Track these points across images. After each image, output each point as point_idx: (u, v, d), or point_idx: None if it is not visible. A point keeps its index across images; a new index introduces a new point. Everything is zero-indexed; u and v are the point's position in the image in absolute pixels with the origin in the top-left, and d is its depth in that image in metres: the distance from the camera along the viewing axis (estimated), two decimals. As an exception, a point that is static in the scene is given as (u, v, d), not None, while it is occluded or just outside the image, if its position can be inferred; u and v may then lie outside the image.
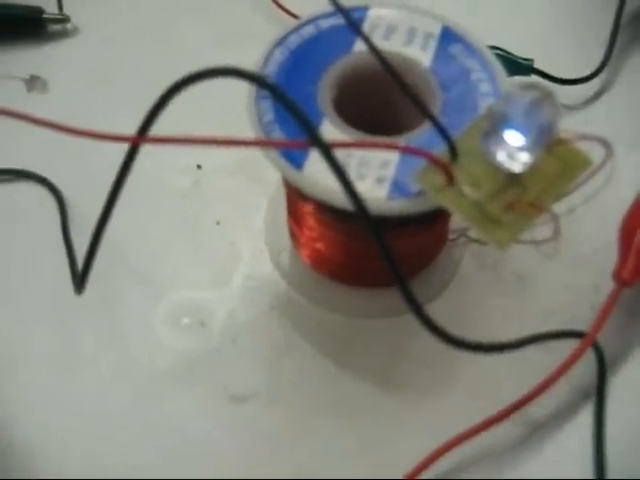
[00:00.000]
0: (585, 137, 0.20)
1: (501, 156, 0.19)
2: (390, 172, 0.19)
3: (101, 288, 0.25)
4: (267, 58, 0.21)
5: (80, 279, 0.21)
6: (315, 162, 0.19)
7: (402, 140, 0.20)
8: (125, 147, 0.18)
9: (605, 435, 0.23)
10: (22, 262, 0.26)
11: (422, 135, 0.20)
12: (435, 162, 0.18)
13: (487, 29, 0.24)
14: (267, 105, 0.20)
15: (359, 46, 0.21)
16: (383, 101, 0.22)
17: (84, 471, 0.22)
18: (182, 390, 0.24)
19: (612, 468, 0.22)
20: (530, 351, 0.22)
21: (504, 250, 0.19)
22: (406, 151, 0.19)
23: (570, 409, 0.24)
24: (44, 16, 0.32)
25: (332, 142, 0.17)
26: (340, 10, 0.18)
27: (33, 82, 0.30)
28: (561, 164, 0.20)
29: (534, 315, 0.25)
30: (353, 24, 0.19)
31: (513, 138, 0.18)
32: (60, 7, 0.32)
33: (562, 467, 0.23)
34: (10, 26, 0.32)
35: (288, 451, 0.23)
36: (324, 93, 0.21)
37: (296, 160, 0.19)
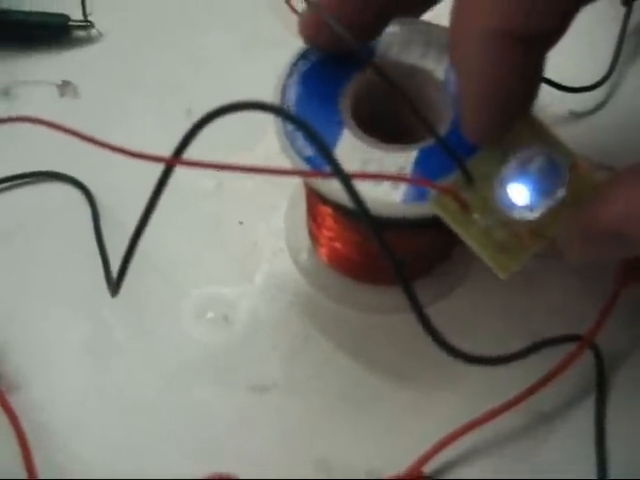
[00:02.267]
0: (595, 166, 0.21)
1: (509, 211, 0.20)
2: (405, 178, 0.20)
3: (131, 284, 0.26)
4: (291, 69, 0.22)
5: (115, 284, 0.23)
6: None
7: (415, 149, 0.21)
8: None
9: (605, 432, 0.24)
10: (57, 259, 0.28)
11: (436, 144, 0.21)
12: (445, 191, 0.20)
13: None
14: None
15: (380, 58, 0.23)
16: (401, 110, 0.23)
17: (110, 456, 0.24)
18: (206, 380, 0.25)
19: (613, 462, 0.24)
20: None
21: (507, 278, 0.20)
22: (415, 183, 0.20)
23: (574, 406, 0.25)
24: (70, 23, 0.33)
25: (351, 173, 0.18)
26: (350, 39, 0.19)
27: (65, 87, 0.32)
28: (573, 193, 0.20)
29: (540, 314, 0.27)
30: (363, 51, 0.20)
31: (520, 196, 0.19)
32: (84, 14, 0.33)
33: (566, 457, 0.24)
34: (38, 32, 0.34)
35: (305, 438, 0.24)
36: (345, 103, 0.22)
37: (318, 167, 0.21)
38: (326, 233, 0.26)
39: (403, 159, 0.21)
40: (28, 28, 0.34)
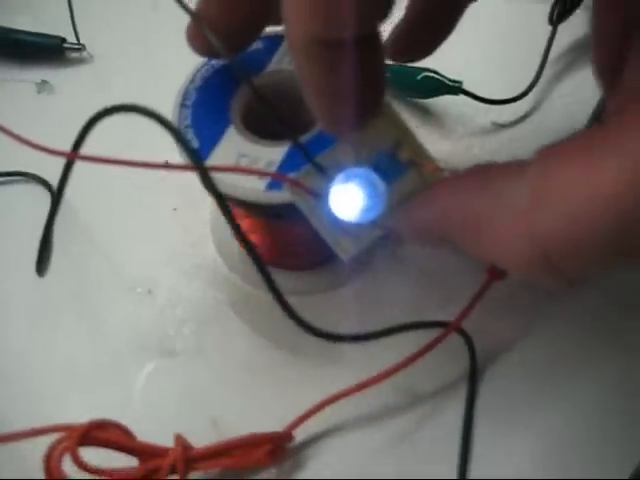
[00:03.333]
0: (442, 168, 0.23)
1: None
2: (272, 169, 0.24)
3: (73, 261, 0.30)
4: (195, 74, 0.26)
5: (37, 264, 0.27)
6: (216, 160, 0.24)
7: (287, 145, 0.24)
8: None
9: (473, 413, 0.27)
10: (17, 243, 0.32)
11: (311, 137, 0.24)
12: (295, 184, 0.22)
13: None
14: (187, 112, 0.25)
15: (272, 67, 0.26)
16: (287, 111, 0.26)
17: (28, 402, 0.28)
18: (126, 342, 0.29)
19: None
20: (418, 333, 0.26)
21: (347, 259, 0.23)
22: (273, 177, 0.23)
23: (448, 388, 0.28)
24: (64, 45, 0.38)
25: (210, 166, 0.21)
26: (230, 59, 0.22)
27: (43, 85, 0.36)
28: (417, 190, 0.23)
29: (432, 303, 0.29)
30: (239, 70, 0.23)
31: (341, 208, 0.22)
32: (77, 37, 0.38)
33: (432, 435, 0.27)
34: (35, 50, 0.38)
35: (203, 398, 0.28)
36: (235, 105, 0.25)
37: (203, 157, 0.24)
38: (239, 224, 0.29)
39: (274, 154, 0.24)
40: (26, 46, 0.38)
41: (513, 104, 0.34)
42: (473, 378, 0.27)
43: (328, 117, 0.22)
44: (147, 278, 0.31)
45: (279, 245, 0.29)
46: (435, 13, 0.25)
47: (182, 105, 0.25)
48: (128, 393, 0.28)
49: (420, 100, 0.34)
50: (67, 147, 0.22)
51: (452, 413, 0.27)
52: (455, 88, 0.33)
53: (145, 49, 0.38)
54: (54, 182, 0.33)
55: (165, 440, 0.25)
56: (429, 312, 0.29)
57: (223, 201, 0.21)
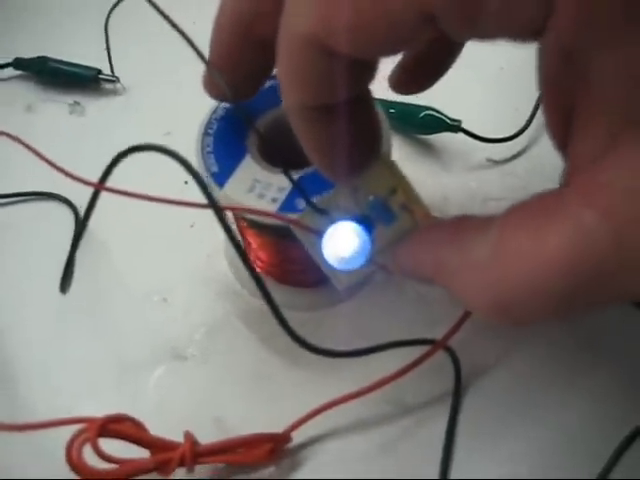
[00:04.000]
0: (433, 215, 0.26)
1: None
2: (283, 195, 0.26)
3: (93, 272, 0.33)
4: (217, 106, 0.29)
5: (61, 283, 0.30)
6: (233, 185, 0.26)
7: (297, 174, 0.27)
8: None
9: (456, 427, 0.29)
10: (40, 259, 0.35)
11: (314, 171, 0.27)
12: (296, 224, 0.25)
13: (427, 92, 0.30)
14: (209, 140, 0.28)
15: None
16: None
17: (52, 396, 0.31)
18: (141, 345, 0.32)
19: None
20: (408, 348, 0.29)
21: (342, 289, 0.25)
22: (277, 218, 0.25)
23: (434, 402, 0.30)
24: (100, 76, 0.41)
25: (224, 206, 0.24)
26: (238, 107, 0.25)
27: (75, 107, 0.39)
28: (413, 222, 0.25)
29: (425, 324, 0.32)
30: (247, 118, 0.26)
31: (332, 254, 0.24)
32: (111, 69, 0.41)
33: (418, 444, 0.29)
34: (71, 80, 0.41)
35: (208, 399, 0.30)
36: (252, 135, 0.28)
37: (221, 180, 0.27)
38: (251, 242, 0.32)
39: (285, 181, 0.26)
40: (63, 75, 0.41)
41: (508, 143, 0.36)
42: (457, 393, 0.30)
43: (325, 168, 0.24)
44: (163, 288, 0.33)
45: (286, 263, 0.32)
46: (432, 52, 0.28)
47: (205, 134, 0.28)
48: (142, 392, 0.31)
49: (422, 136, 0.37)
50: (92, 167, 0.24)
51: (437, 425, 0.29)
52: (454, 126, 0.36)
53: (174, 82, 0.41)
54: (77, 200, 0.36)
55: (174, 436, 0.27)
56: (421, 329, 0.31)
57: (231, 233, 0.24)
